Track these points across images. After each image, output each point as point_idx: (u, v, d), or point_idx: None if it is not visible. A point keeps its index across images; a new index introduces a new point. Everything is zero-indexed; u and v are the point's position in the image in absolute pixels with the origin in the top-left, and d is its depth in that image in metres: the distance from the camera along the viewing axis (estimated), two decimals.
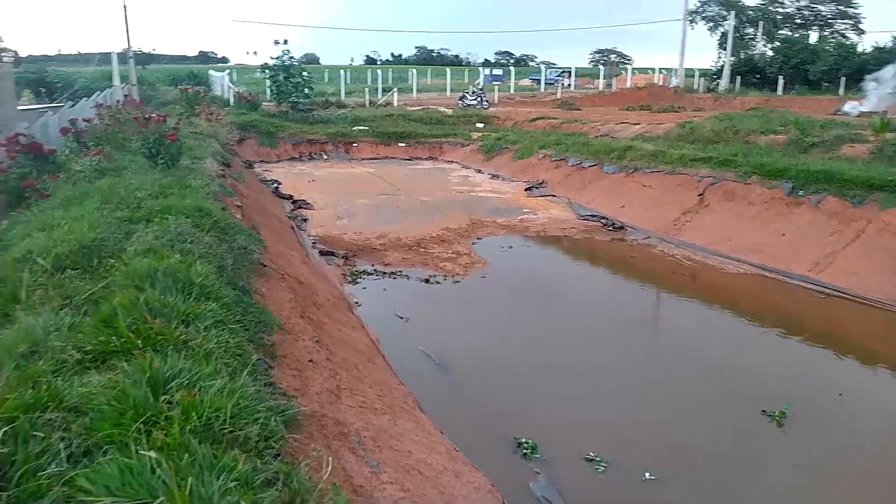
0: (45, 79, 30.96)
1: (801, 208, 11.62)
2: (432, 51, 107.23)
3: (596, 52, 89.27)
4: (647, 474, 5.04)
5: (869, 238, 10.28)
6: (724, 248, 11.71)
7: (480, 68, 55.49)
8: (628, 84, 44.72)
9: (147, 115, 11.32)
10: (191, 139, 13.49)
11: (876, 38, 49.63)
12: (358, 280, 9.91)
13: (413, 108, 29.85)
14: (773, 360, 7.59)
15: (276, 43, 27.14)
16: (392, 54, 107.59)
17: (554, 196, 16.79)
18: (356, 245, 11.74)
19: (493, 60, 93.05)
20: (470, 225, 13.49)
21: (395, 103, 32.57)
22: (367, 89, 35.56)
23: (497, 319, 8.72)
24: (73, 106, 16.58)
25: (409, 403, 5.66)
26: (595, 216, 14.46)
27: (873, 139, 14.01)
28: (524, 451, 5.30)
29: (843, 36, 50.13)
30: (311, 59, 79.89)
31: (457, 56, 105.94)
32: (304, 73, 27.46)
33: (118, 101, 18.69)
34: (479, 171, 21.11)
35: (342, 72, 40.90)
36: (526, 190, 17.66)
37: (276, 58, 26.92)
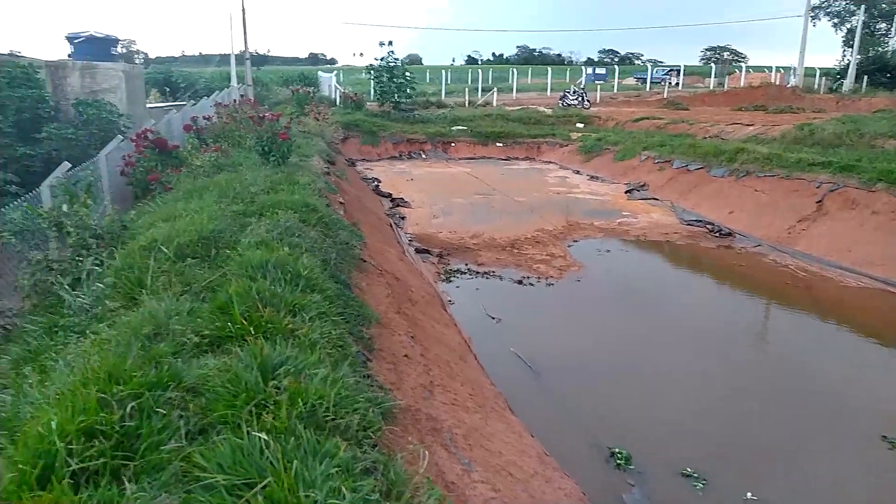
0: (170, 78, 33.51)
1: None
2: (534, 50, 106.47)
3: (707, 50, 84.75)
4: (748, 494, 4.77)
5: None
6: (844, 259, 10.82)
7: (583, 67, 54.29)
8: (742, 83, 42.32)
9: (261, 115, 11.99)
10: (300, 137, 14.16)
11: None
12: (451, 279, 10.02)
13: (512, 108, 29.74)
14: (895, 381, 6.94)
15: (381, 44, 28.16)
16: (493, 54, 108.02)
17: (656, 199, 16.20)
18: (451, 244, 11.87)
19: (596, 59, 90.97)
20: (566, 227, 13.28)
21: (495, 103, 32.59)
22: (466, 89, 35.85)
23: (591, 324, 8.53)
24: (194, 104, 17.89)
25: (500, 404, 5.65)
26: (700, 221, 13.83)
27: None
28: (617, 461, 5.16)
29: None
30: (414, 60, 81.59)
31: (559, 55, 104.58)
32: (407, 74, 28.13)
33: (235, 101, 19.90)
34: (578, 173, 20.74)
35: (443, 72, 41.51)
36: (626, 192, 17.17)
37: (381, 59, 27.78)
